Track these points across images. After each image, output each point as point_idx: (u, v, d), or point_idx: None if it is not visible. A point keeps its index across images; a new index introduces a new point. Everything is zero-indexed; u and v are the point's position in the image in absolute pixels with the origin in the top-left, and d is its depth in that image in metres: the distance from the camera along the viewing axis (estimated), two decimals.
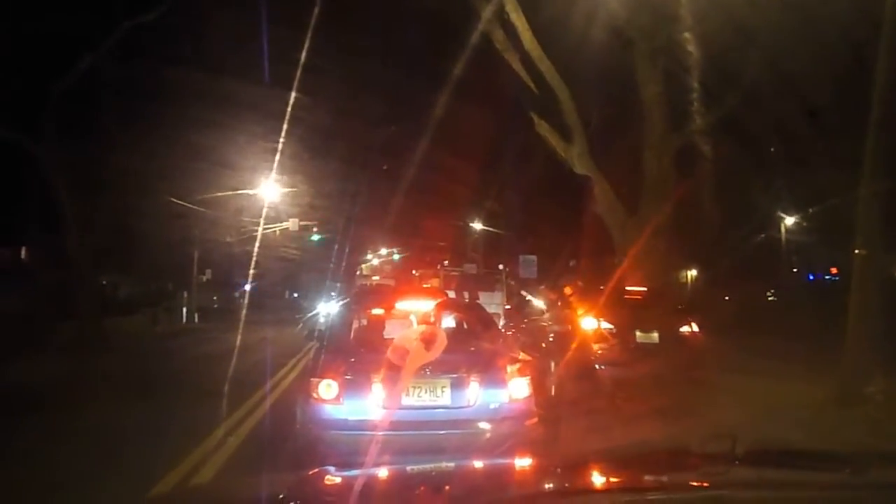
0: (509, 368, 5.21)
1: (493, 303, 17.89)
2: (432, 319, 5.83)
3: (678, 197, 12.37)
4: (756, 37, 10.92)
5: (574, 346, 8.75)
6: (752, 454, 2.16)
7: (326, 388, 4.88)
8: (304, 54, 10.98)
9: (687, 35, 11.09)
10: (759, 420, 7.33)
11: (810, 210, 20.89)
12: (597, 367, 8.66)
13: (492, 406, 4.97)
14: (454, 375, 4.96)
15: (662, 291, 10.30)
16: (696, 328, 9.19)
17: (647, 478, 2.18)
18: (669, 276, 14.51)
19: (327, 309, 14.66)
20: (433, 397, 4.93)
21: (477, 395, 4.96)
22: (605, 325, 8.90)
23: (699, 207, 13.53)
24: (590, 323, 8.99)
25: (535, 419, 5.16)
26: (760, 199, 21.07)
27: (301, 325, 18.56)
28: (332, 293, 18.21)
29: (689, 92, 11.79)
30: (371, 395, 4.82)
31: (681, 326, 9.14)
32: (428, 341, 4.63)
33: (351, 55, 17.71)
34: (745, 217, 20.68)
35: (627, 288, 9.87)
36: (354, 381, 4.89)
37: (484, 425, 4.89)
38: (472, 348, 5.61)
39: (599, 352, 8.74)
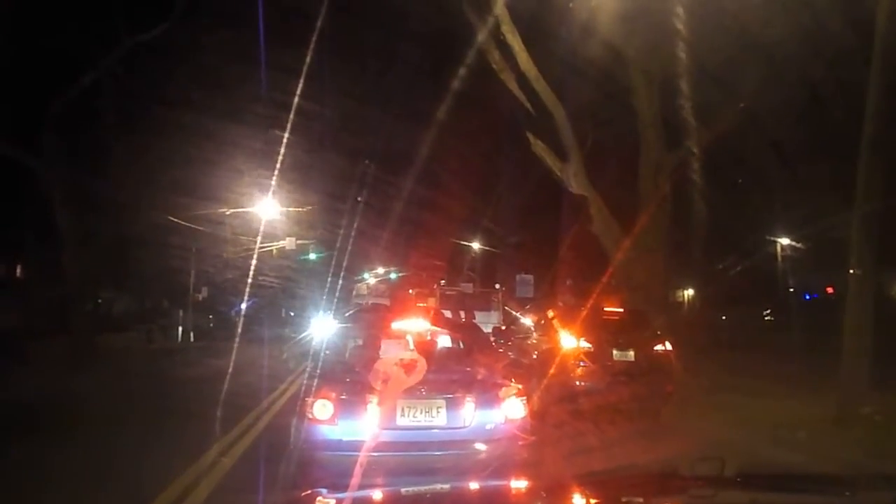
0: (504, 388, 5.18)
1: (490, 322, 17.89)
2: (428, 339, 5.83)
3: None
4: (749, 60, 11.06)
5: (555, 363, 9.19)
6: (743, 476, 2.15)
7: (321, 409, 4.84)
8: (303, 69, 11.05)
9: (682, 56, 11.21)
10: (754, 441, 7.31)
11: (805, 230, 20.95)
12: (577, 383, 9.12)
13: (487, 427, 4.93)
14: (449, 396, 4.93)
15: (639, 312, 10.64)
16: (668, 346, 9.69)
17: (636, 500, 2.16)
18: (666, 295, 14.52)
19: (321, 329, 14.53)
20: (428, 418, 4.88)
21: (472, 416, 4.92)
22: (584, 343, 9.40)
23: (694, 226, 13.60)
24: (570, 342, 9.47)
25: (531, 440, 5.12)
26: (756, 218, 21.17)
27: (286, 352, 17.51)
28: (327, 312, 18.05)
29: (684, 112, 11.89)
30: (366, 416, 4.78)
31: (655, 345, 9.64)
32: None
33: (350, 72, 17.86)
34: (741, 237, 20.78)
35: (605, 308, 10.27)
36: (349, 402, 4.86)
37: (480, 446, 4.86)
38: (468, 368, 5.58)
39: (578, 369, 9.24)
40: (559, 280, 20.91)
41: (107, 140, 18.49)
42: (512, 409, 5.03)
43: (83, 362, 16.84)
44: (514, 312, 15.89)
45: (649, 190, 12.56)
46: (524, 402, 5.14)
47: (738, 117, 12.13)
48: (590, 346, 9.38)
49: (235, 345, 16.05)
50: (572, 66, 12.27)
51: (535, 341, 11.29)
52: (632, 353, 9.33)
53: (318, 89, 15.86)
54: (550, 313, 11.14)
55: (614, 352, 9.33)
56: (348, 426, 4.79)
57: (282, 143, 15.04)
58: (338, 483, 3.86)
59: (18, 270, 27.45)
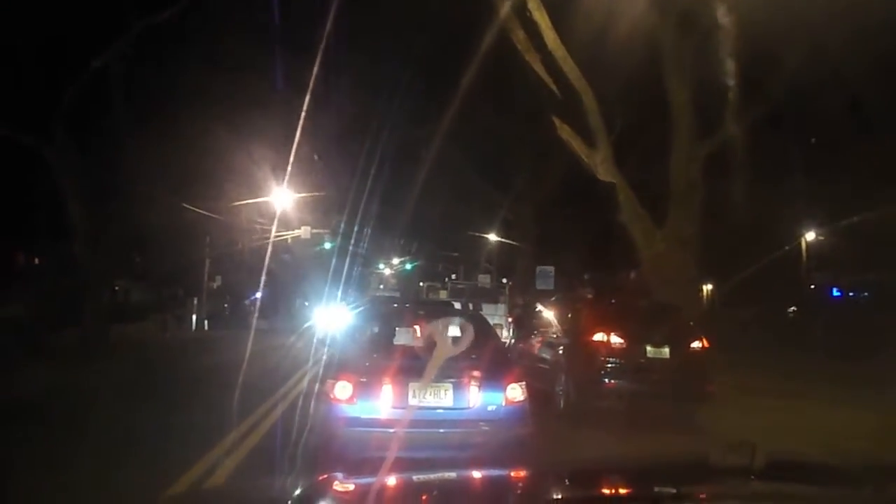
0: (506, 374, 5.74)
1: (496, 314, 18.08)
2: (439, 328, 5.67)
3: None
4: (784, 41, 10.54)
5: (583, 360, 8.66)
6: (772, 467, 2.12)
7: (342, 390, 5.39)
8: (318, 58, 10.69)
9: (715, 39, 10.70)
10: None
11: (838, 224, 20.25)
12: (606, 381, 8.45)
13: (490, 408, 5.48)
14: (456, 379, 5.41)
15: (673, 305, 10.06)
16: (706, 343, 8.96)
17: (663, 489, 2.14)
18: (696, 288, 13.98)
19: (336, 318, 14.28)
20: (437, 399, 5.39)
21: (476, 398, 5.45)
22: (615, 339, 8.68)
23: (726, 218, 13.05)
24: (598, 337, 8.77)
25: (530, 422, 5.61)
26: (784, 211, 20.56)
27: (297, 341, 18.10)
28: (343, 302, 17.83)
29: (717, 98, 11.36)
30: (381, 396, 5.33)
31: (692, 342, 8.90)
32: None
33: (366, 59, 17.50)
34: (768, 230, 20.16)
35: (638, 302, 9.69)
36: (367, 384, 5.39)
37: (483, 425, 5.42)
38: (473, 355, 5.82)
39: (609, 366, 8.51)
40: (580, 272, 20.53)
41: (120, 128, 18.25)
42: (513, 392, 5.57)
43: (96, 352, 16.68)
44: (537, 306, 15.54)
45: (681, 178, 12.04)
46: (523, 386, 5.63)
47: (772, 104, 11.58)
48: (621, 342, 8.64)
49: (250, 334, 15.80)
50: (602, 46, 11.66)
51: (558, 335, 10.46)
52: (667, 349, 8.56)
53: (335, 76, 15.52)
54: (577, 304, 10.60)
55: (648, 348, 8.57)
56: (365, 405, 5.33)
57: (297, 130, 14.69)
58: (355, 456, 4.87)
59: (35, 259, 27.51)
